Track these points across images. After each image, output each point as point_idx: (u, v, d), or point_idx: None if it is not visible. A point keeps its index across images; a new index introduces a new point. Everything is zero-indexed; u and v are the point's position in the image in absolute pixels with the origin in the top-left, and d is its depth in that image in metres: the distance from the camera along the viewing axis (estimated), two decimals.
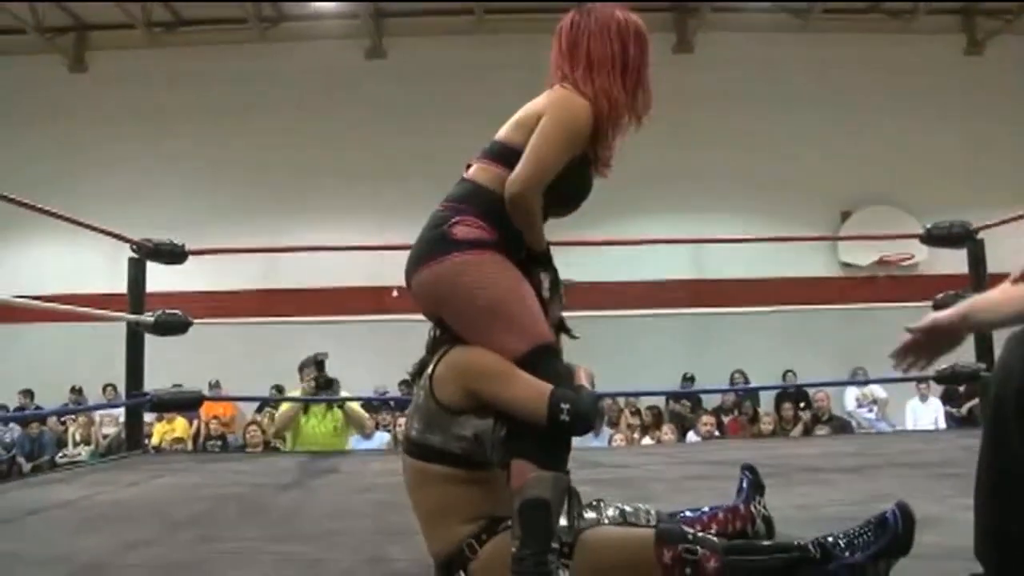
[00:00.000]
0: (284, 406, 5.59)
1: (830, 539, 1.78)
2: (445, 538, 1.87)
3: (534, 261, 1.99)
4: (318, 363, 5.06)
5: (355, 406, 5.60)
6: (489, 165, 2.00)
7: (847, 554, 1.76)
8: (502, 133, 2.04)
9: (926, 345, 1.74)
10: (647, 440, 8.54)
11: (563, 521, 1.82)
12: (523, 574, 1.72)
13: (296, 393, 5.44)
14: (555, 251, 2.07)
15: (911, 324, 1.64)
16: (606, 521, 1.93)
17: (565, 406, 1.77)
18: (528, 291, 1.92)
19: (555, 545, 1.75)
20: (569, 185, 2.01)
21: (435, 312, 1.98)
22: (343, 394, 5.40)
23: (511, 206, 1.93)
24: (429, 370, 1.93)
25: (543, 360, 1.85)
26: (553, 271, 2.03)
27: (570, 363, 1.97)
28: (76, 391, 10.50)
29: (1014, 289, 1.75)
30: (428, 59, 11.40)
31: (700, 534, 1.84)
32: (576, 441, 1.88)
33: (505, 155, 1.98)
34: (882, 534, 1.76)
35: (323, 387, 5.11)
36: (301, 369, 5.21)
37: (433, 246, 1.93)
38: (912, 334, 1.74)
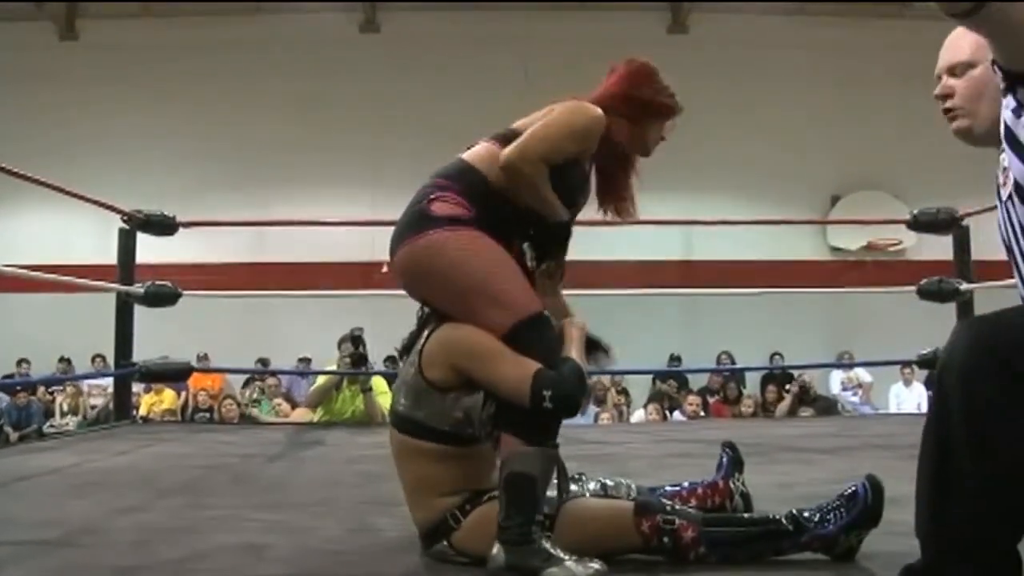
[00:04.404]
0: (320, 380, 5.38)
1: (805, 513, 1.85)
2: (429, 508, 1.92)
3: (517, 232, 1.97)
4: (354, 339, 4.82)
5: (381, 398, 5.05)
6: (491, 144, 2.01)
7: (819, 526, 1.83)
8: (518, 123, 2.05)
9: None
10: (635, 416, 8.60)
11: (551, 493, 1.85)
12: (508, 542, 1.77)
13: (331, 367, 5.23)
14: None
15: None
16: (587, 494, 1.97)
17: (547, 392, 1.76)
18: (509, 263, 1.91)
19: (539, 517, 1.79)
20: (569, 179, 2.00)
21: (416, 291, 2.00)
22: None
23: (505, 173, 1.93)
24: (419, 345, 1.94)
25: (530, 333, 1.84)
26: (553, 241, 2.02)
27: (560, 323, 1.96)
28: (65, 361, 10.49)
29: None
30: (422, 33, 11.31)
31: (679, 507, 1.90)
32: None
33: (511, 138, 1.98)
34: (852, 506, 1.82)
35: (357, 364, 4.85)
36: (340, 344, 5.00)
37: (411, 223, 1.95)
38: None
